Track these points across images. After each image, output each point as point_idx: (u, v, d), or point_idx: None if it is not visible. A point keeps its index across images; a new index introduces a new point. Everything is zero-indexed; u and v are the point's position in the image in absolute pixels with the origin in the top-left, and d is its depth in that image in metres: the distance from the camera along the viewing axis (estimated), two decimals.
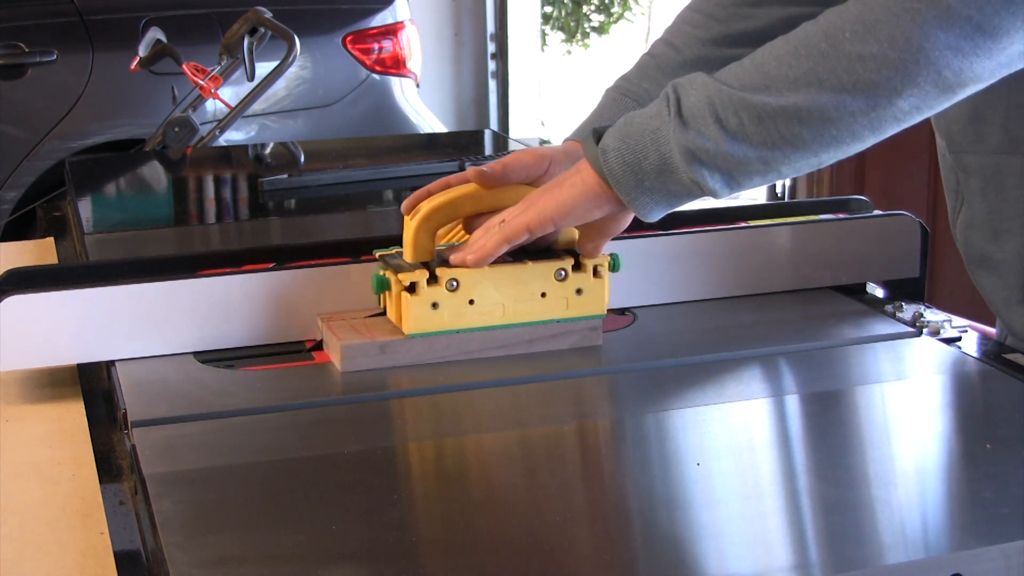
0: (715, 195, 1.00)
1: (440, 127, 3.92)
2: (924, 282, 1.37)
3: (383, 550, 0.84)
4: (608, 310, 1.21)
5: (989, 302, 1.25)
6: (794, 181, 3.93)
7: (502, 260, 1.12)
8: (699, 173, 0.98)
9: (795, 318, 1.28)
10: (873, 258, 1.37)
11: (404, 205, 1.15)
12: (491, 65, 5.25)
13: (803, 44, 0.94)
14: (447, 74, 5.22)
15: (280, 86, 3.25)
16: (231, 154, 2.66)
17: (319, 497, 0.91)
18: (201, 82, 2.59)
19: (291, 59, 2.60)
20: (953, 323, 1.24)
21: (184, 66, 2.63)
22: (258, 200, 1.90)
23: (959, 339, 1.22)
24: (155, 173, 2.31)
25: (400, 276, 1.11)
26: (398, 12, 3.78)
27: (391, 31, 3.75)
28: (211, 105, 3.04)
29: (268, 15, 2.55)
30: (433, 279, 1.11)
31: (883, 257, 1.37)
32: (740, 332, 1.24)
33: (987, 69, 0.91)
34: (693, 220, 1.44)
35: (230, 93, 2.76)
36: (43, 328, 1.13)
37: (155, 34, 2.81)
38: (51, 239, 1.77)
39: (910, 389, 1.12)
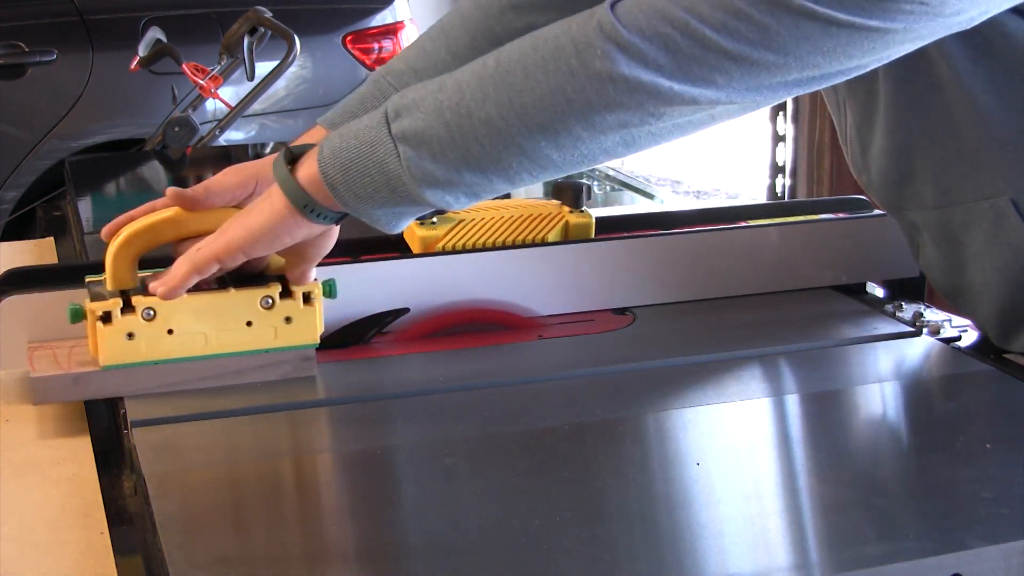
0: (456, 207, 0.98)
1: None
2: (924, 282, 1.36)
3: (382, 550, 0.84)
4: (608, 310, 1.21)
5: (976, 326, 1.23)
6: (794, 181, 3.93)
7: (206, 287, 1.08)
8: (434, 195, 0.95)
9: (795, 318, 1.28)
10: (873, 258, 1.37)
11: (104, 231, 1.09)
12: None
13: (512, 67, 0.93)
14: None
15: (280, 86, 3.25)
16: (231, 154, 2.66)
17: (318, 497, 0.91)
18: (201, 82, 2.59)
19: (291, 59, 2.60)
20: (953, 323, 1.24)
21: (184, 66, 2.63)
22: None
23: (959, 339, 1.22)
24: (155, 173, 2.31)
25: (92, 305, 1.06)
26: (398, 12, 3.78)
27: (391, 31, 3.75)
28: (211, 105, 3.04)
29: (268, 15, 2.55)
30: (128, 308, 1.06)
31: (883, 257, 1.37)
32: (740, 332, 1.24)
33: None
34: (693, 220, 1.44)
35: (230, 93, 2.76)
36: (43, 328, 1.13)
37: (155, 34, 2.81)
38: (51, 239, 1.77)
39: (910, 389, 1.12)
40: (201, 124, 2.67)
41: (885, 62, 0.93)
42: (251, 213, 1.02)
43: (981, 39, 1.01)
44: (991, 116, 1.05)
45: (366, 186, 0.96)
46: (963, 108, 1.05)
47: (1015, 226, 1.08)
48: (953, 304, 1.22)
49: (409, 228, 1.35)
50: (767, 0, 0.86)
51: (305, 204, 0.99)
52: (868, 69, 0.92)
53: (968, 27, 0.93)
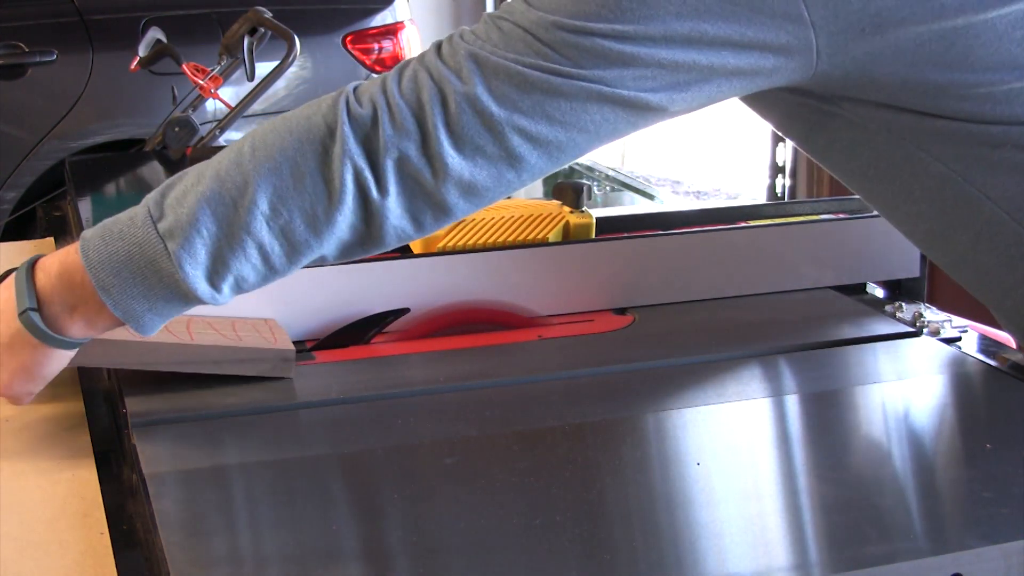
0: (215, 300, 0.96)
1: None
2: (924, 282, 1.37)
3: (383, 550, 0.84)
4: (608, 310, 1.21)
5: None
6: (794, 181, 3.93)
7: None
8: (205, 289, 0.94)
9: (795, 318, 1.28)
10: (873, 258, 1.37)
11: None
12: None
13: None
14: None
15: (280, 86, 3.25)
16: None
17: (318, 497, 0.91)
18: (201, 82, 2.59)
19: (291, 59, 2.60)
20: (953, 323, 1.24)
21: (184, 66, 2.62)
22: None
23: (959, 339, 1.22)
24: (155, 173, 2.31)
25: None
26: (398, 12, 3.78)
27: (391, 31, 3.75)
28: (211, 105, 3.03)
29: (268, 15, 2.55)
30: None
31: (883, 257, 1.37)
32: (740, 332, 1.24)
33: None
34: (693, 220, 1.44)
35: (230, 93, 2.76)
36: None
37: (155, 34, 2.80)
38: (51, 239, 1.77)
39: (910, 389, 1.12)
40: (201, 124, 2.66)
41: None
42: None
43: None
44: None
45: (137, 285, 0.94)
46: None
47: None
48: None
49: None
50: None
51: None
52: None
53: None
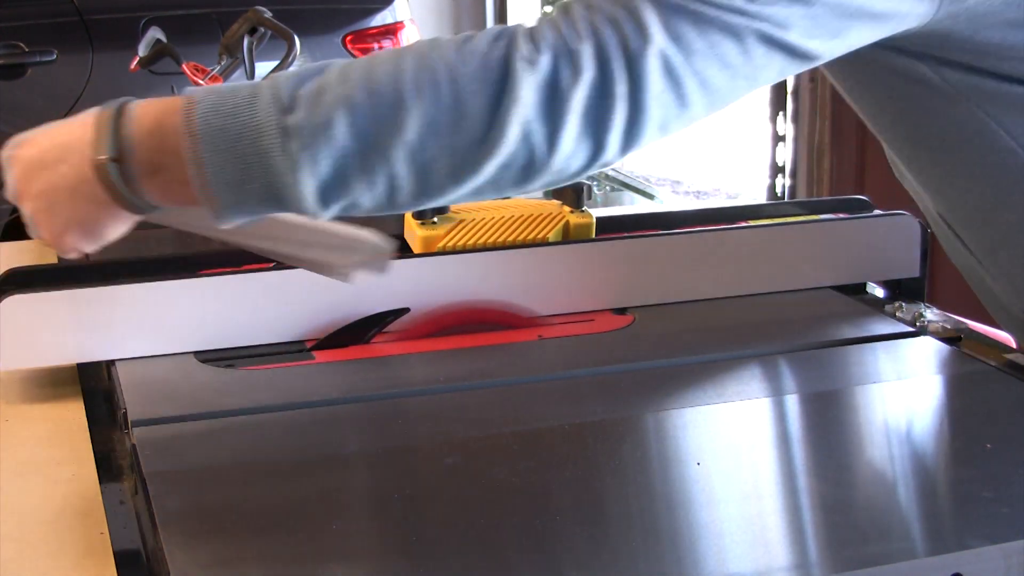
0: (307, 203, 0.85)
1: None
2: (924, 282, 1.37)
3: (383, 550, 0.84)
4: (608, 310, 1.20)
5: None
6: (794, 181, 3.93)
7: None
8: (312, 202, 0.84)
9: (795, 318, 1.28)
10: (873, 258, 1.37)
11: None
12: None
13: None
14: None
15: None
16: None
17: (319, 497, 0.91)
18: (201, 82, 2.59)
19: (291, 59, 2.60)
20: (953, 323, 1.24)
21: (184, 66, 2.63)
22: None
23: (959, 339, 1.22)
24: None
25: None
26: (398, 12, 3.78)
27: (391, 31, 3.74)
28: None
29: (268, 15, 2.55)
30: None
31: (883, 257, 1.37)
32: (740, 332, 1.24)
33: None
34: (693, 220, 1.44)
35: None
36: (43, 328, 1.13)
37: (155, 34, 2.80)
38: None
39: (910, 389, 1.12)
40: None
41: None
42: (48, 169, 0.90)
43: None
44: None
45: (236, 173, 0.83)
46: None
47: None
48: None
49: (409, 228, 1.35)
50: None
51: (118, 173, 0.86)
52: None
53: None
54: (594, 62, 0.83)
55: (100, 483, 0.97)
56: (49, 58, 3.36)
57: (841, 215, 1.43)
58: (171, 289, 1.16)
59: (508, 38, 0.85)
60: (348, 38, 3.67)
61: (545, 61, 0.83)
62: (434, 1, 5.11)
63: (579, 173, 0.88)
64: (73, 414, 1.10)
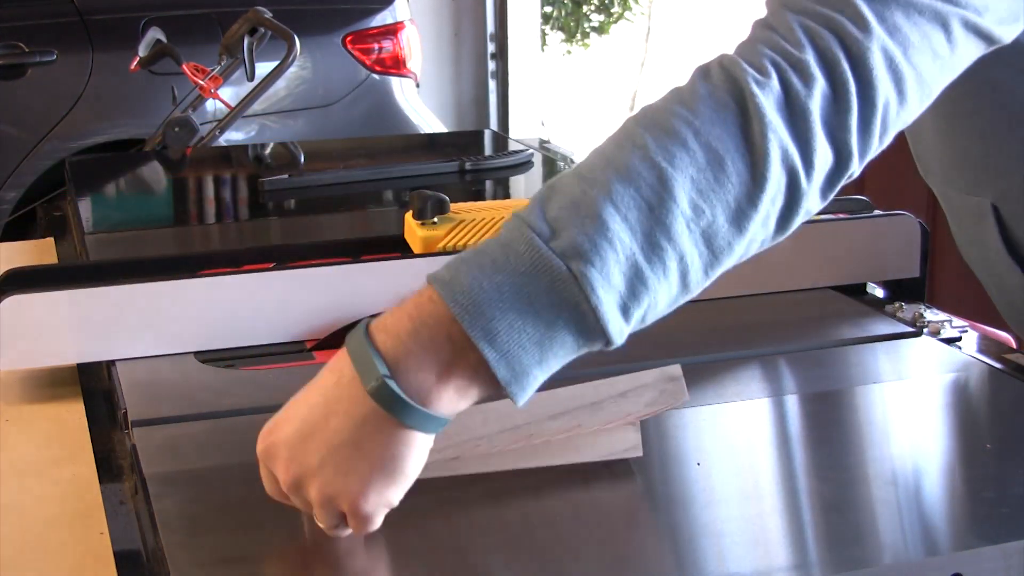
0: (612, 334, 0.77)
1: (440, 127, 3.92)
2: (924, 282, 1.37)
3: (383, 550, 0.84)
4: None
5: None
6: None
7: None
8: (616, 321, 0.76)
9: (795, 318, 1.28)
10: (873, 258, 1.37)
11: None
12: (491, 65, 5.24)
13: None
14: (447, 74, 5.22)
15: (280, 86, 3.25)
16: (231, 154, 2.66)
17: None
18: (201, 82, 2.59)
19: (291, 59, 2.60)
20: (953, 323, 1.24)
21: (184, 66, 2.63)
22: (258, 200, 1.90)
23: (959, 339, 1.22)
24: (155, 173, 2.31)
25: None
26: (398, 12, 3.78)
27: (391, 31, 3.75)
28: (211, 105, 3.04)
29: (268, 15, 2.55)
30: None
31: (883, 257, 1.37)
32: (740, 332, 1.24)
33: None
34: None
35: (230, 93, 2.76)
36: (43, 328, 1.13)
37: (155, 34, 2.81)
38: (51, 239, 1.77)
39: (910, 389, 1.12)
40: (201, 124, 2.67)
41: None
42: (324, 417, 0.79)
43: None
44: None
45: (530, 328, 0.75)
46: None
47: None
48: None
49: (409, 228, 1.35)
50: None
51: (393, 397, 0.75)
52: None
53: None
54: (821, 68, 0.79)
55: (100, 483, 0.97)
56: (49, 58, 3.36)
57: (841, 215, 1.43)
58: (171, 289, 1.16)
59: (724, 70, 0.80)
60: (348, 38, 3.67)
61: (775, 79, 0.79)
62: (434, 1, 5.10)
63: (832, 189, 0.83)
64: (73, 414, 1.10)
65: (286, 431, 0.81)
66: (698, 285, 0.80)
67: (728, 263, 0.81)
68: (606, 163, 0.78)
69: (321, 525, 0.81)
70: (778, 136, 0.78)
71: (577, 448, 0.91)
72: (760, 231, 0.81)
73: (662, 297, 0.78)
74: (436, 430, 0.78)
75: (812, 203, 0.82)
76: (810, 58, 0.79)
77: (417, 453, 0.79)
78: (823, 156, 0.80)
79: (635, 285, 0.76)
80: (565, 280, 0.74)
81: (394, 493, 0.79)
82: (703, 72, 0.81)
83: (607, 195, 0.75)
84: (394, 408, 0.76)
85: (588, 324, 0.76)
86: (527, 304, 0.74)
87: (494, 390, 0.77)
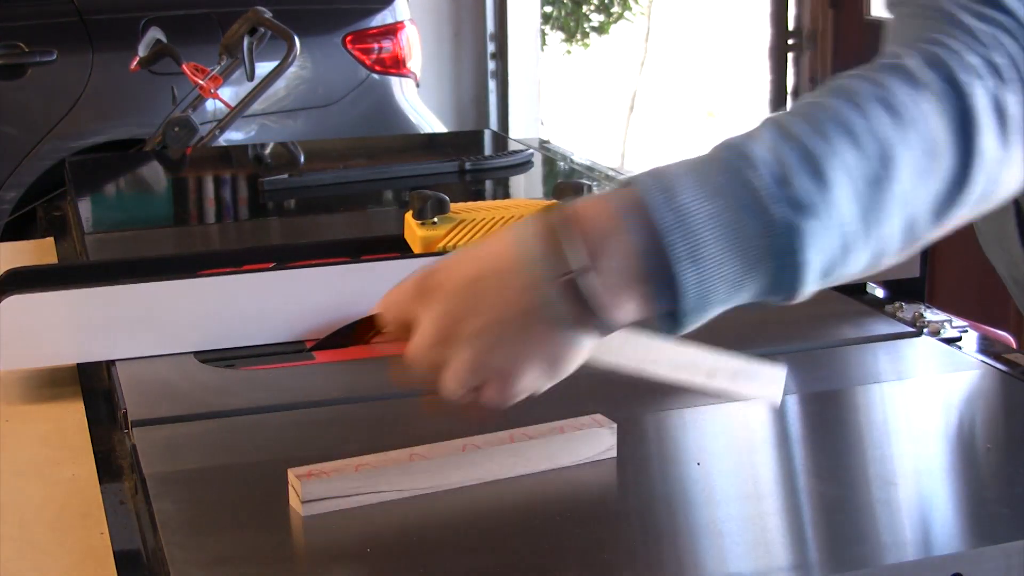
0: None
1: (440, 127, 3.92)
2: (924, 282, 1.37)
3: (383, 549, 0.84)
4: None
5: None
6: None
7: None
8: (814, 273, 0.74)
9: (795, 318, 1.28)
10: None
11: None
12: (491, 65, 5.24)
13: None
14: (447, 74, 5.22)
15: (280, 86, 3.25)
16: (231, 154, 2.66)
17: None
18: (201, 82, 2.59)
19: (291, 59, 2.60)
20: (953, 323, 1.24)
21: (184, 66, 2.63)
22: (258, 200, 1.90)
23: (959, 339, 1.22)
24: (155, 173, 2.31)
25: None
26: (398, 12, 3.78)
27: (391, 31, 3.75)
28: (211, 105, 3.04)
29: (268, 15, 2.55)
30: None
31: None
32: (740, 332, 1.24)
33: None
34: None
35: (230, 93, 2.76)
36: (43, 328, 1.13)
37: (155, 34, 2.81)
38: (51, 239, 1.77)
39: (910, 389, 1.12)
40: (201, 124, 2.67)
41: None
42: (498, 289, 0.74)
43: None
44: None
45: (734, 264, 0.73)
46: None
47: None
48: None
49: (409, 228, 1.35)
50: None
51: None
52: None
53: None
54: (1014, 69, 0.78)
55: (100, 483, 0.97)
56: (49, 58, 3.36)
57: None
58: (171, 289, 1.16)
59: (929, 58, 0.77)
60: (348, 38, 3.67)
61: (988, 77, 0.76)
62: (434, 1, 5.10)
63: (1000, 202, 0.81)
64: (73, 414, 1.10)
65: (452, 284, 0.75)
66: (880, 268, 0.78)
67: (909, 253, 0.80)
68: (837, 124, 0.74)
69: (446, 388, 0.77)
70: (991, 140, 0.76)
71: (552, 455, 0.93)
72: (947, 226, 0.79)
73: (852, 270, 0.76)
74: (603, 334, 0.75)
75: (983, 208, 0.80)
76: (1000, 60, 0.77)
77: (579, 353, 0.76)
78: (1016, 167, 0.78)
79: (840, 253, 0.73)
80: (782, 230, 0.71)
81: (545, 385, 0.77)
82: (926, 59, 0.77)
83: (839, 151, 0.72)
84: (576, 303, 0.72)
85: (785, 279, 0.74)
86: (735, 241, 0.71)
87: (655, 315, 0.74)
